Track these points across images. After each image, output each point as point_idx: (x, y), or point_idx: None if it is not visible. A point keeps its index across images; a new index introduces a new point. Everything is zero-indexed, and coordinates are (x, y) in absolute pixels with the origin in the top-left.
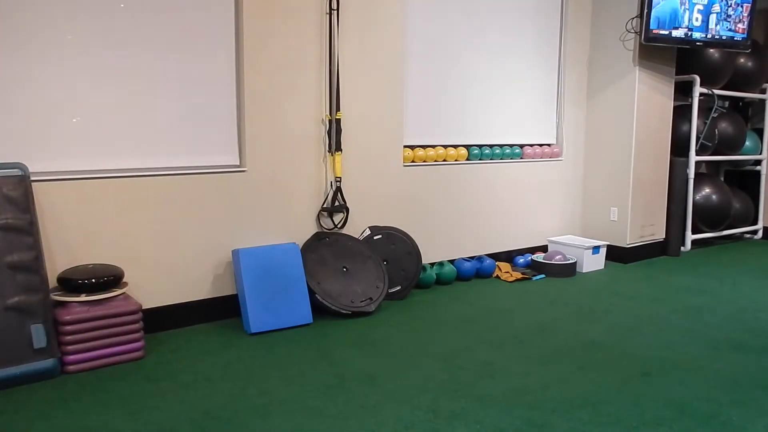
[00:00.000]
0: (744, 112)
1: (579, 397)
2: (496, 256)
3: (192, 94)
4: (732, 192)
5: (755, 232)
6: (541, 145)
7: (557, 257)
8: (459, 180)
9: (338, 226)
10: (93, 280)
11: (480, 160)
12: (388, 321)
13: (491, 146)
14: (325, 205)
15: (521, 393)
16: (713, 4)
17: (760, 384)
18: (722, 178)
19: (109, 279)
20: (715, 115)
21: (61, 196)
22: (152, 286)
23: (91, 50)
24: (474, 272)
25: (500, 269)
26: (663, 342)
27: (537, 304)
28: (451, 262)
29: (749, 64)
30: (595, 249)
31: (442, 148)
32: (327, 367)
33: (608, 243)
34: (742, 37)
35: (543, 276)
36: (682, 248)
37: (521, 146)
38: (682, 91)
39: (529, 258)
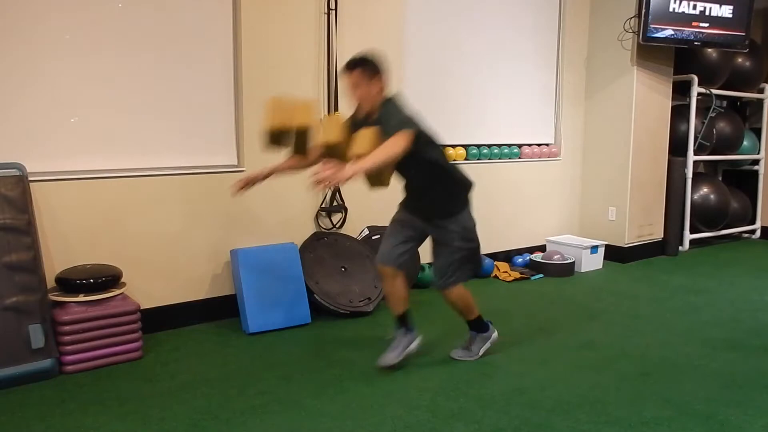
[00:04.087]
0: (742, 112)
1: (577, 396)
2: (495, 256)
3: (190, 95)
4: (730, 191)
5: (753, 231)
6: (539, 144)
7: (555, 257)
8: None
9: (337, 226)
10: (91, 280)
11: (478, 159)
12: (386, 321)
13: (489, 146)
14: (323, 205)
15: (519, 393)
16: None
17: (759, 384)
18: (720, 178)
19: (107, 279)
20: (713, 114)
21: (59, 196)
22: (150, 286)
23: (89, 50)
24: None
25: (499, 269)
26: (661, 341)
27: (535, 303)
28: None
29: (747, 63)
30: (594, 249)
31: None
32: (325, 367)
33: (606, 243)
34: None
35: (541, 276)
36: (680, 248)
37: (519, 146)
38: (680, 90)
39: (528, 258)
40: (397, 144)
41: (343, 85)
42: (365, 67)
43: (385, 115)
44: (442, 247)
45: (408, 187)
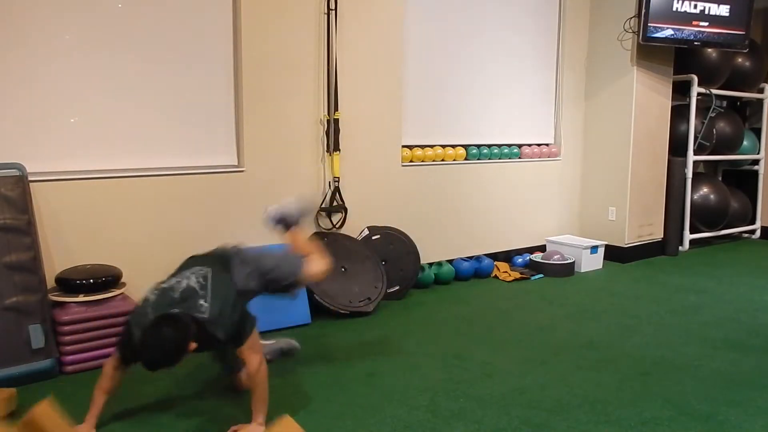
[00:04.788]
0: (742, 112)
1: (577, 396)
2: (495, 256)
3: (190, 95)
4: (730, 191)
5: (753, 231)
6: (539, 144)
7: (555, 257)
8: (457, 180)
9: (337, 226)
10: (91, 281)
11: (478, 159)
12: (386, 321)
13: (489, 146)
14: (323, 205)
15: (519, 393)
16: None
17: (758, 383)
18: (720, 178)
19: (107, 279)
20: (713, 114)
21: (59, 197)
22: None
23: (89, 50)
24: (472, 272)
25: (498, 269)
26: (661, 341)
27: (535, 303)
28: (450, 262)
29: (747, 63)
30: (593, 249)
31: (440, 147)
32: (325, 367)
33: (606, 243)
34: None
35: (541, 276)
36: (680, 248)
37: (519, 146)
38: (680, 90)
39: (528, 258)
40: (260, 368)
41: None
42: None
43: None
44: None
45: None
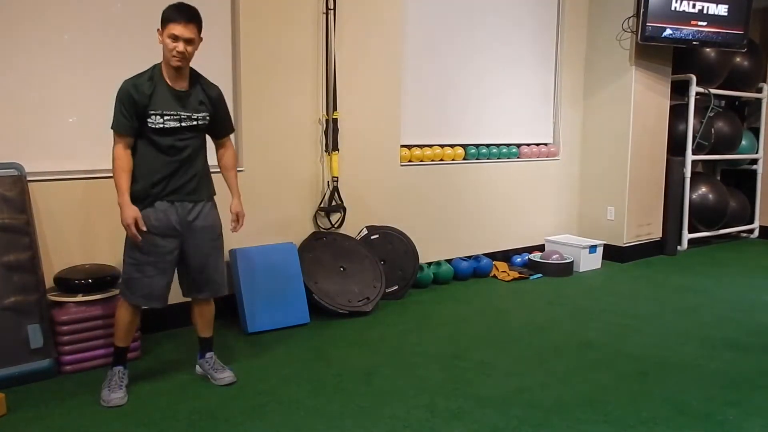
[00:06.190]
0: (740, 112)
1: (576, 396)
2: (493, 256)
3: None
4: (728, 191)
5: (752, 231)
6: (538, 144)
7: (554, 256)
8: (456, 179)
9: (335, 225)
10: (89, 281)
11: (477, 159)
12: (385, 321)
13: (488, 146)
14: (322, 205)
15: (518, 392)
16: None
17: (757, 383)
18: (719, 177)
19: (105, 279)
20: (712, 114)
21: (58, 196)
22: None
23: (87, 50)
24: (471, 272)
25: (497, 269)
26: (660, 341)
27: (534, 303)
28: (449, 261)
29: (745, 63)
30: (592, 248)
31: (439, 147)
32: (324, 366)
33: (605, 242)
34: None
35: (540, 275)
36: (678, 247)
37: (518, 146)
38: (679, 90)
39: (526, 257)
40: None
41: (176, 36)
42: (200, 21)
43: (218, 101)
44: (210, 244)
45: (173, 166)
